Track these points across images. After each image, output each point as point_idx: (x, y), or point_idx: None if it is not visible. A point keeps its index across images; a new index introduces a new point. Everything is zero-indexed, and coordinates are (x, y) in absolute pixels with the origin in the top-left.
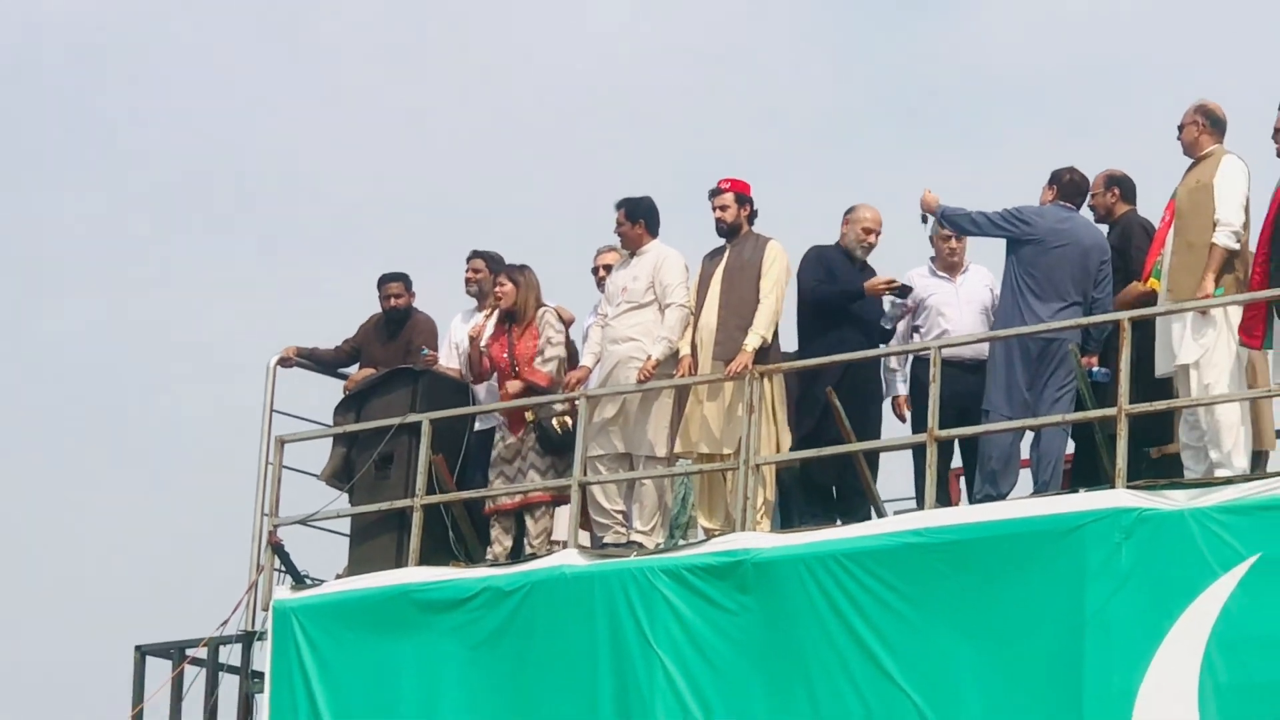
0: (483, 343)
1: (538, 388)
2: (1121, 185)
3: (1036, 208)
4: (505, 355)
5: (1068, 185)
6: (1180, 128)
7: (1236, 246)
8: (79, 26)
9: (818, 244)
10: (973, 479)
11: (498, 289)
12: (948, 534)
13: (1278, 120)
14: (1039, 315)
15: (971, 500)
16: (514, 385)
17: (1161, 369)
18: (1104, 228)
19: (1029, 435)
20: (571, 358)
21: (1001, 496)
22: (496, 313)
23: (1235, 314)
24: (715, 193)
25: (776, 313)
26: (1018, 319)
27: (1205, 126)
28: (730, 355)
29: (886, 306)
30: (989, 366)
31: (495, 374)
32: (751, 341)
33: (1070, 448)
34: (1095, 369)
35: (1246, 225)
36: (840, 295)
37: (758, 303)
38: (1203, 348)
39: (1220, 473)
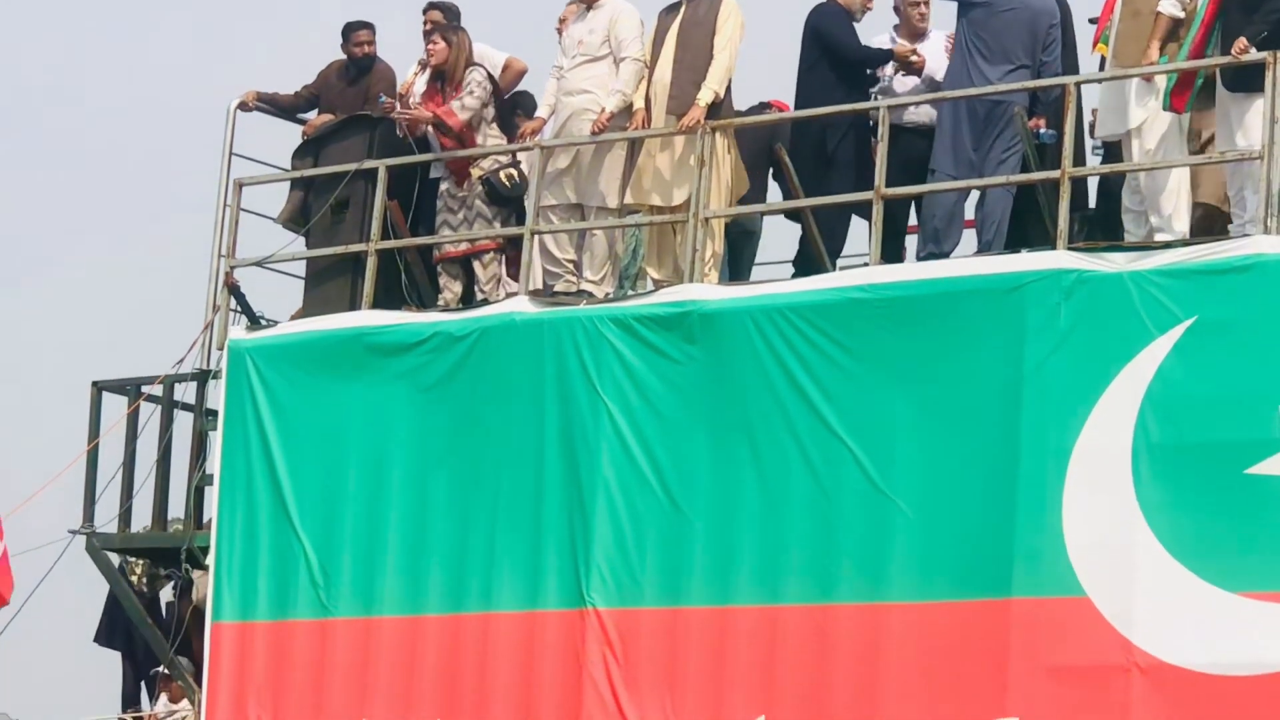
0: (414, 100)
1: (444, 125)
2: None
3: None
4: (443, 102)
5: None
6: None
7: (1181, 15)
8: None
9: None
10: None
11: (430, 46)
12: (891, 290)
13: None
14: (987, 77)
15: (917, 259)
16: (424, 113)
17: (1104, 131)
18: None
19: (974, 196)
20: (526, 108)
21: (945, 255)
22: (428, 70)
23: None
24: None
25: (729, 68)
26: (966, 81)
27: None
28: (684, 109)
29: (887, 75)
30: (937, 128)
31: (429, 128)
32: (704, 96)
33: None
34: (1043, 130)
35: None
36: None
37: (712, 58)
38: (1145, 113)
39: (1160, 237)
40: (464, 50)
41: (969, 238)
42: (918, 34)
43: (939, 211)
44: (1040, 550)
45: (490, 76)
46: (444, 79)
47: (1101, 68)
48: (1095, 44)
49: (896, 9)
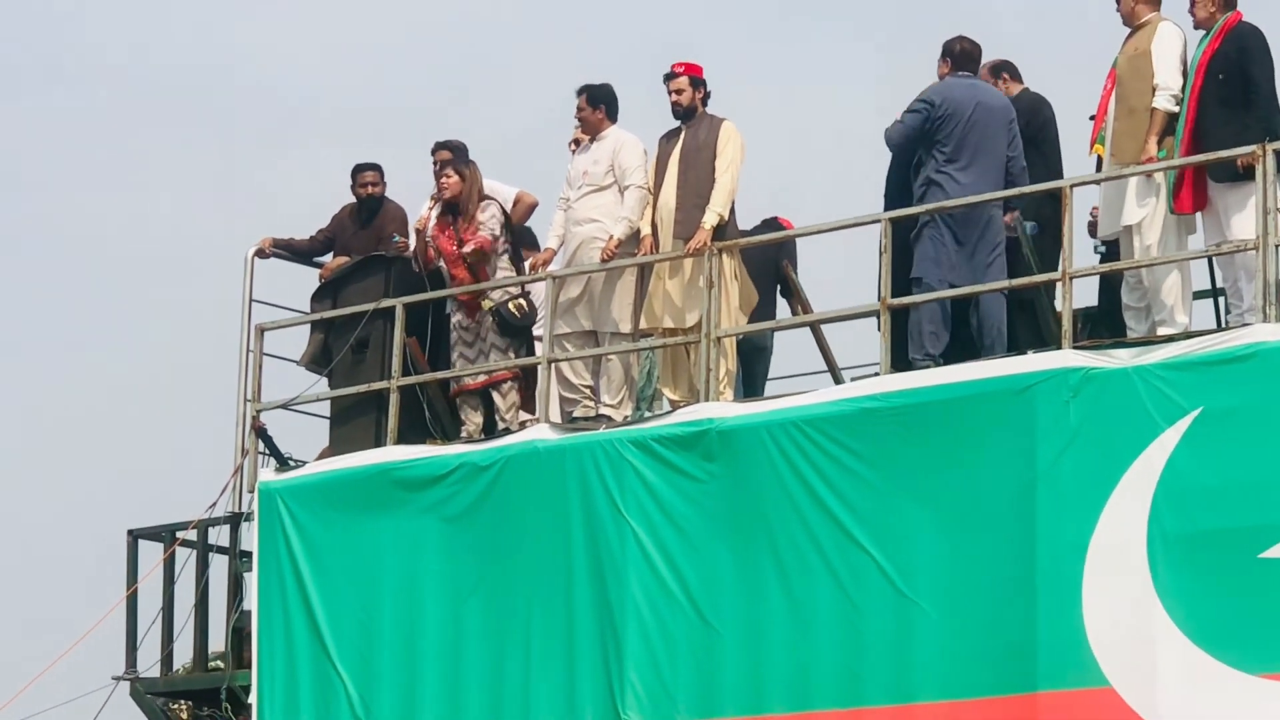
0: (428, 234)
1: (481, 252)
2: (1008, 69)
3: (938, 85)
4: (454, 245)
5: (960, 55)
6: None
7: (1176, 109)
8: None
9: None
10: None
11: (443, 180)
12: (902, 398)
13: None
14: (959, 182)
15: (911, 364)
16: (468, 248)
17: (1105, 231)
18: None
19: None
20: (533, 243)
21: (937, 358)
22: (439, 204)
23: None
24: (670, 76)
25: (732, 191)
26: (941, 192)
27: None
28: (690, 233)
29: None
30: (914, 237)
31: (442, 262)
32: (709, 219)
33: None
34: (1026, 223)
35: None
36: None
37: (714, 182)
38: (1144, 210)
39: (1163, 330)
40: (476, 183)
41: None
42: None
43: (929, 317)
44: (1063, 643)
45: (503, 209)
46: (456, 212)
47: (1099, 169)
48: (1092, 144)
49: None
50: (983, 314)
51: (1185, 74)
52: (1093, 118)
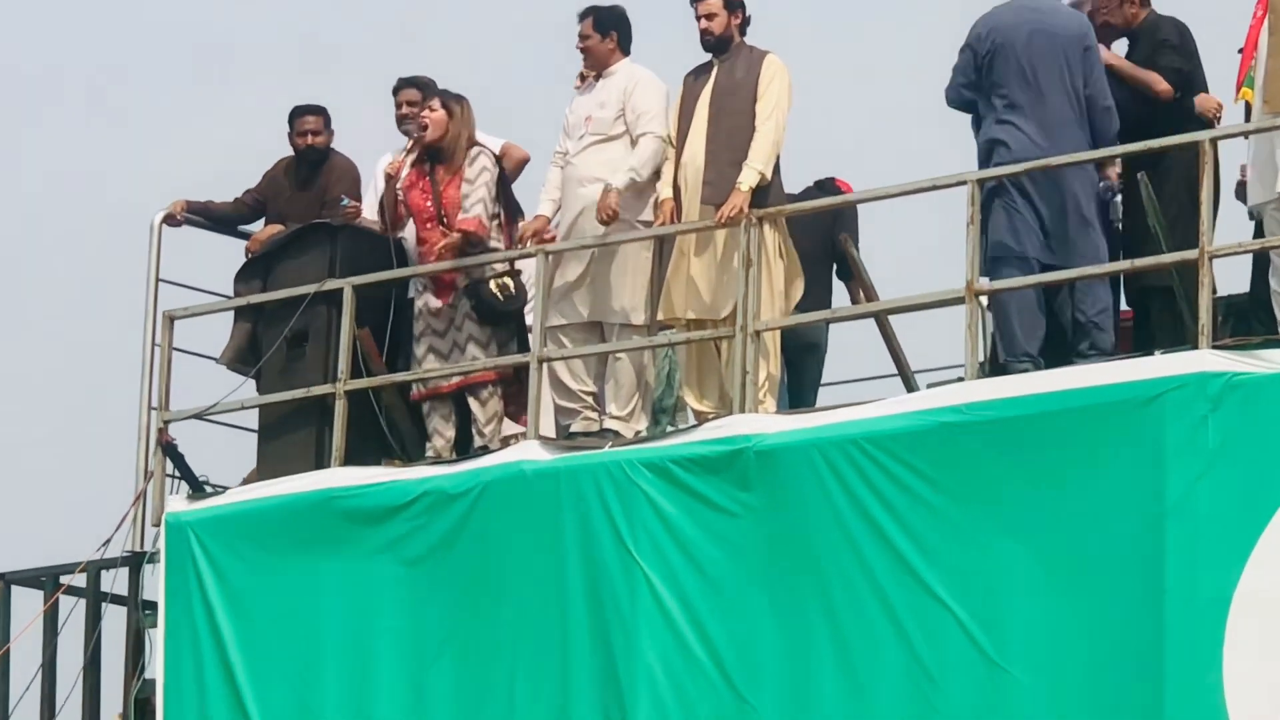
0: (399, 183)
1: (474, 239)
2: None
3: (986, 14)
4: (429, 203)
5: None
6: None
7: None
8: None
9: None
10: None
11: (425, 115)
12: (994, 410)
13: None
14: (1027, 135)
15: (1005, 369)
16: (452, 238)
17: (1256, 199)
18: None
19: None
20: (518, 212)
21: (1038, 359)
22: (417, 149)
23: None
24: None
25: (777, 143)
26: (1006, 150)
27: None
28: (722, 197)
29: None
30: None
31: (413, 222)
32: (748, 178)
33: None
34: (1104, 182)
35: None
36: None
37: (754, 131)
38: None
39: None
40: (467, 125)
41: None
42: None
43: (1021, 307)
44: (1199, 705)
45: (497, 160)
46: (439, 158)
47: (1247, 117)
48: (1239, 87)
49: None
50: (1078, 300)
51: None
52: (1240, 52)
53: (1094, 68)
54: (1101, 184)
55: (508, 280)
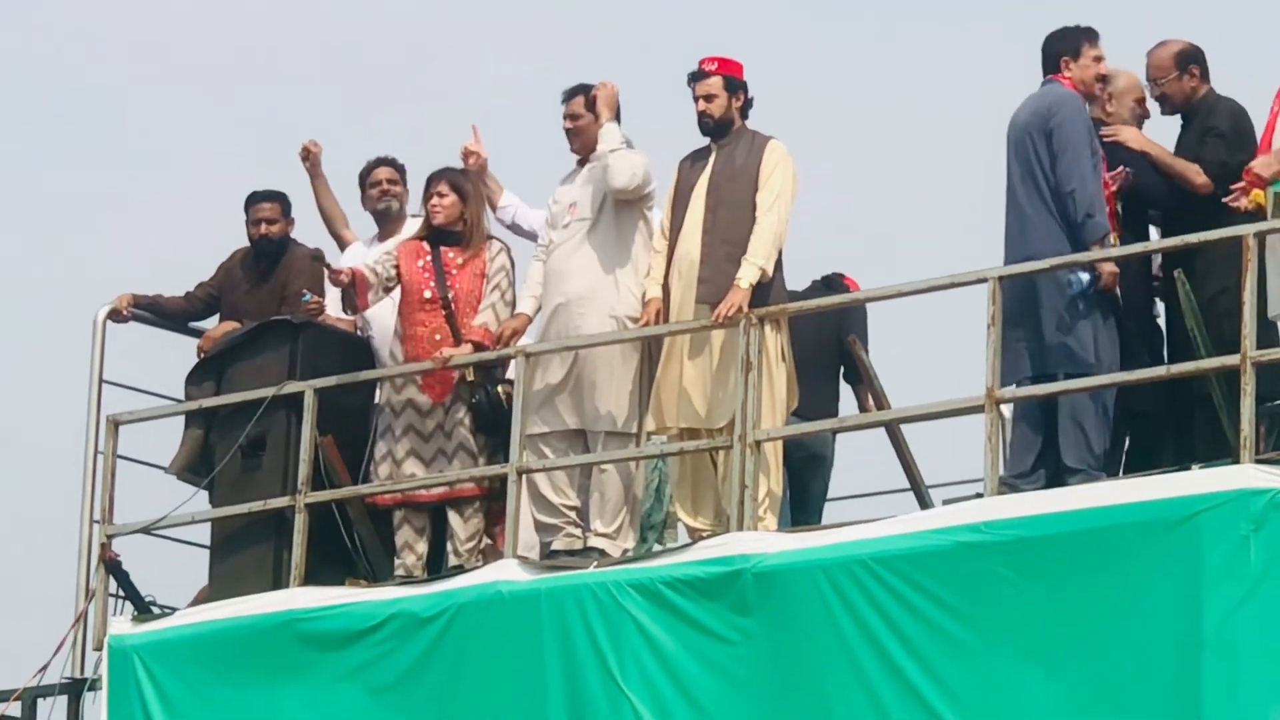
0: (393, 261)
1: (483, 348)
2: (1197, 61)
3: None
4: (432, 281)
5: (1044, 54)
6: None
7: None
8: None
9: None
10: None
11: (434, 201)
12: (1016, 529)
13: None
14: (1007, 234)
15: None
16: (456, 352)
17: (1277, 310)
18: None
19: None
20: None
21: (1101, 468)
22: (425, 231)
23: None
24: (697, 76)
25: (780, 236)
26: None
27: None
28: (719, 296)
29: None
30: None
31: (400, 296)
32: (748, 274)
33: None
34: (1071, 276)
35: None
36: None
37: (754, 222)
38: None
39: None
40: (483, 201)
41: None
42: None
43: (1081, 409)
44: None
45: (510, 257)
46: (446, 241)
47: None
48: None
49: None
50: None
51: None
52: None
53: (1059, 153)
54: (1072, 275)
55: (509, 387)
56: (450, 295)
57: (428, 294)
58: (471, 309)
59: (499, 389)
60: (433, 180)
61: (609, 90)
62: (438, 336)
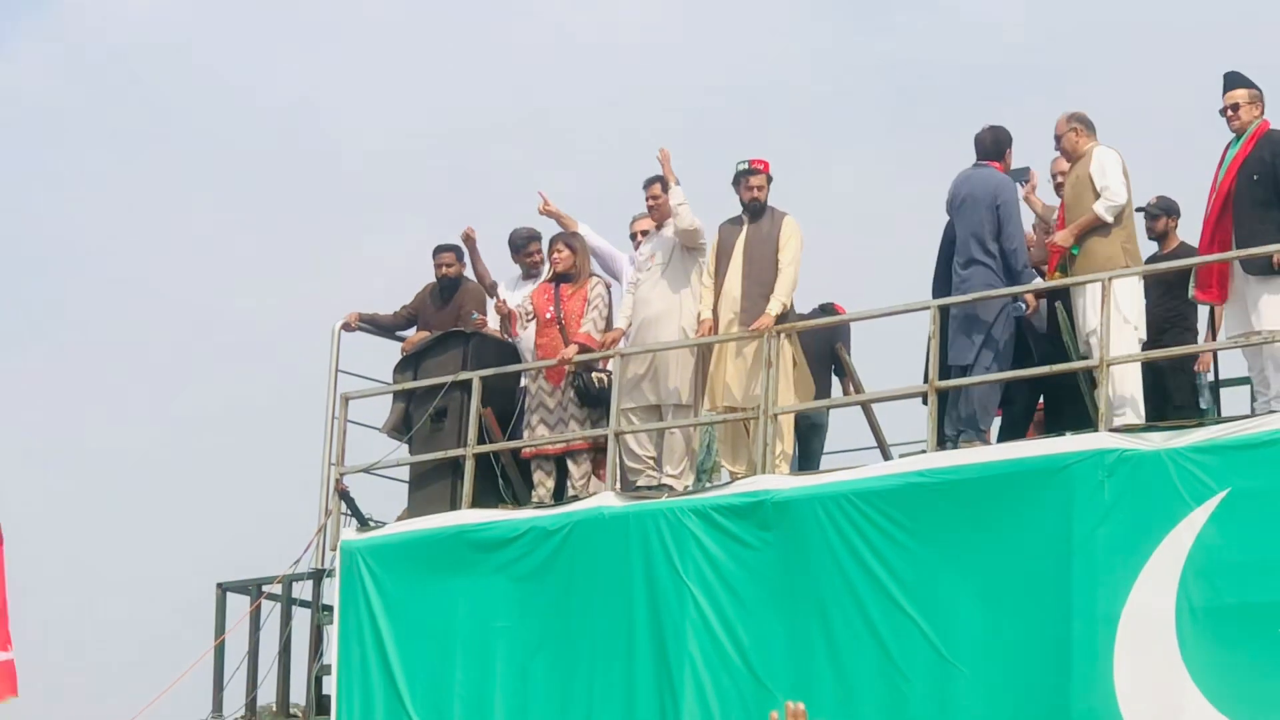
0: (525, 294)
1: (587, 348)
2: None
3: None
4: (552, 308)
5: (985, 143)
6: (1057, 137)
7: (1110, 220)
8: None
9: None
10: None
11: (555, 255)
12: (948, 474)
13: (1225, 99)
14: (961, 276)
15: (945, 442)
16: (571, 350)
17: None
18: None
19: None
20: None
21: (982, 434)
22: (551, 277)
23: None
24: (749, 173)
25: (795, 282)
26: (947, 286)
27: (1081, 130)
28: (753, 320)
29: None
30: (950, 330)
31: (535, 322)
32: (774, 308)
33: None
34: (1014, 303)
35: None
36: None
37: (778, 272)
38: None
39: (1119, 420)
40: (585, 255)
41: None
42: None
43: (977, 397)
44: (1094, 710)
45: (608, 288)
46: (564, 280)
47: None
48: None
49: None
50: (978, 396)
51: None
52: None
53: (1005, 221)
54: (1012, 304)
55: (604, 375)
56: (561, 316)
57: (548, 315)
58: (577, 323)
59: (593, 376)
60: (555, 241)
61: (665, 153)
62: (556, 345)
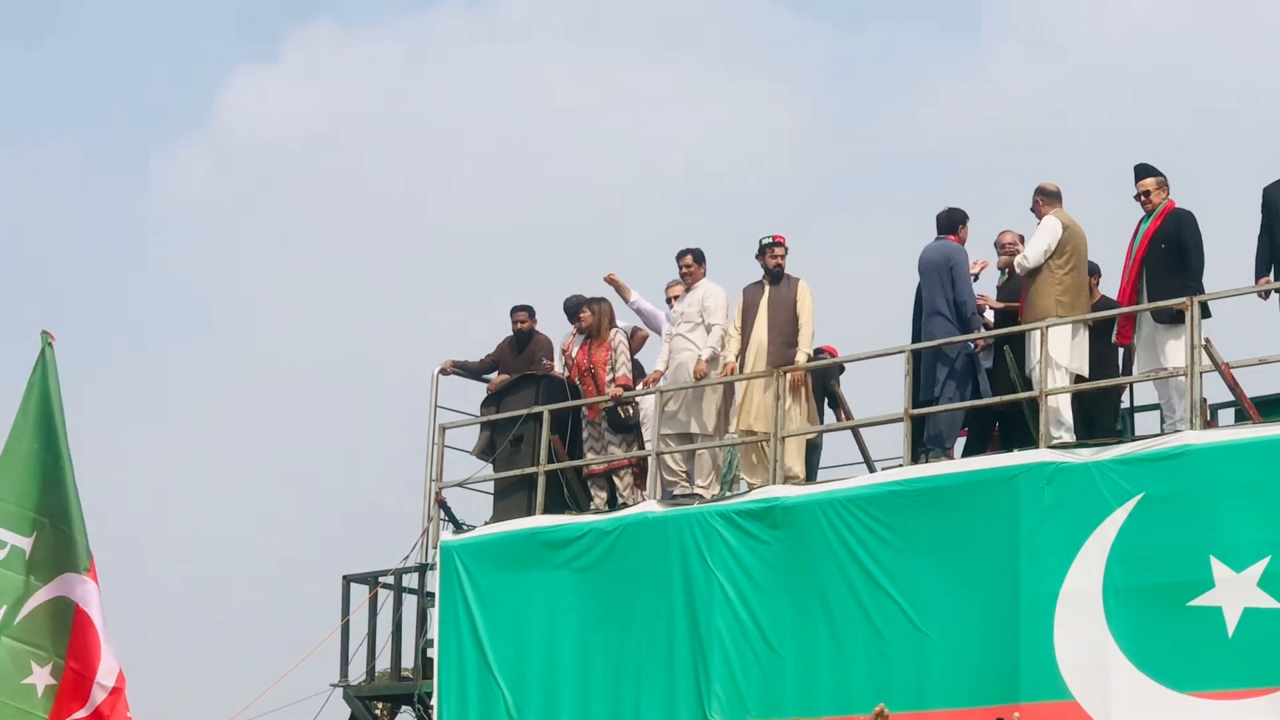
0: (573, 352)
1: (627, 387)
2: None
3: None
4: (585, 360)
5: (942, 220)
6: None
7: (1019, 271)
8: None
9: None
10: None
11: (582, 315)
12: (921, 483)
13: (1138, 186)
14: (927, 326)
15: (918, 457)
16: (615, 390)
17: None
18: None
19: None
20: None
21: (948, 450)
22: (582, 334)
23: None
24: (774, 244)
25: (813, 334)
26: (919, 333)
27: (1043, 200)
28: (779, 362)
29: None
30: (924, 369)
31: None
32: (801, 357)
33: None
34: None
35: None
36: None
37: (797, 326)
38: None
39: (1057, 437)
40: (605, 316)
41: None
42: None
43: (943, 421)
44: (1038, 669)
45: (626, 336)
46: (590, 336)
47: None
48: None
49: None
50: (943, 421)
51: (1046, 250)
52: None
53: (956, 280)
54: (972, 349)
55: (630, 408)
56: (591, 364)
57: (583, 363)
58: (602, 368)
59: (618, 410)
60: (581, 306)
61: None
62: (589, 387)
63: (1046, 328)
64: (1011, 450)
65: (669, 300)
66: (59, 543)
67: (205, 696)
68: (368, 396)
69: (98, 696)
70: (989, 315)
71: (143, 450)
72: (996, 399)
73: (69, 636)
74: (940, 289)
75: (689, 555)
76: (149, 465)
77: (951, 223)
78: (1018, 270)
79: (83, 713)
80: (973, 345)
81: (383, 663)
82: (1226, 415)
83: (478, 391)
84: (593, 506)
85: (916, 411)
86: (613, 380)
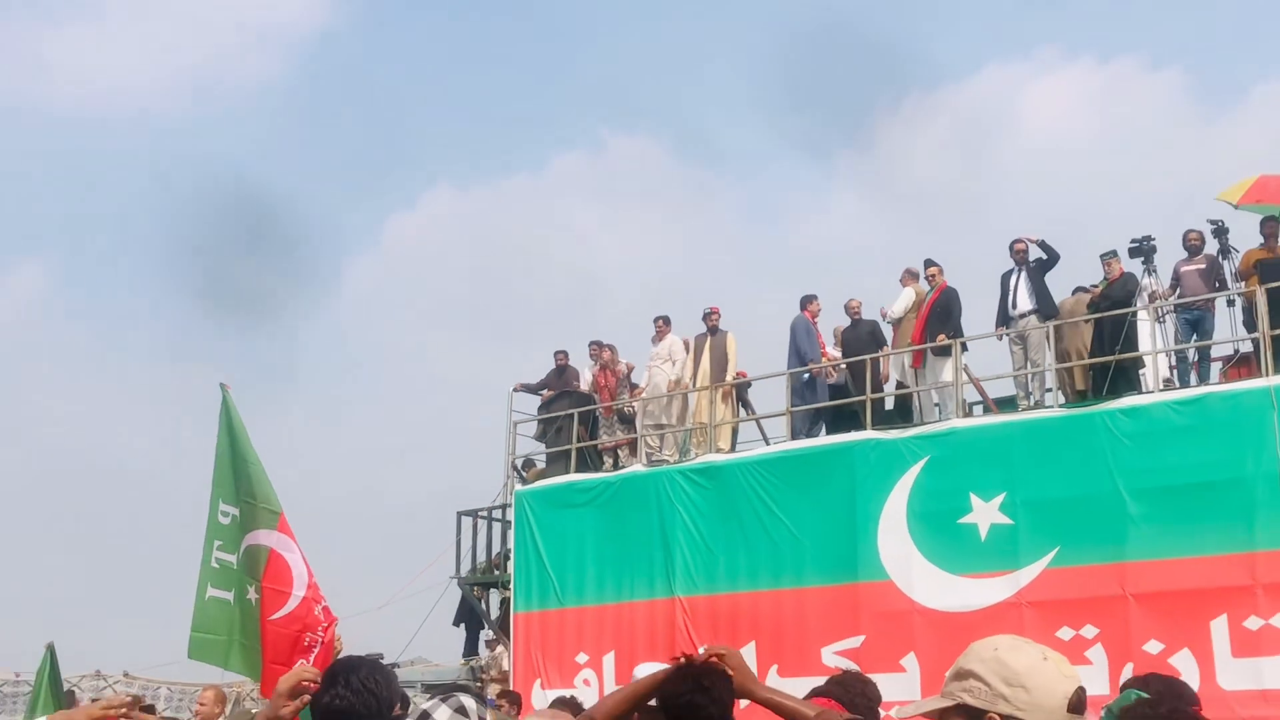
0: (595, 374)
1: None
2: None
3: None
4: (603, 380)
5: (802, 301)
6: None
7: (901, 315)
8: None
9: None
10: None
11: (604, 354)
12: (798, 452)
13: (925, 270)
14: (797, 363)
15: (796, 436)
16: (625, 399)
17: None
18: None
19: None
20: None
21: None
22: (600, 365)
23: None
24: (711, 313)
25: (735, 364)
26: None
27: (905, 277)
28: (713, 383)
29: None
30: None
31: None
32: (727, 378)
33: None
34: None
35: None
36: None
37: (727, 361)
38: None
39: (878, 426)
40: (616, 360)
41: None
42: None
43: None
44: (869, 561)
45: (627, 369)
46: (605, 366)
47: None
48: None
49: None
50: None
51: (910, 306)
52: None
53: (801, 338)
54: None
55: (635, 405)
56: (605, 381)
57: (601, 382)
58: (613, 385)
59: (624, 408)
60: (593, 345)
61: None
62: (608, 395)
63: (886, 355)
64: (850, 432)
65: (653, 340)
66: (251, 514)
67: (357, 590)
68: (475, 404)
69: (296, 598)
70: (836, 353)
71: (329, 411)
72: (841, 400)
73: (263, 569)
74: (795, 344)
75: (661, 497)
76: (334, 425)
77: (803, 303)
78: (891, 314)
79: (282, 613)
80: (827, 373)
81: (479, 564)
82: (979, 409)
83: (534, 401)
84: (604, 468)
85: (800, 408)
86: (629, 391)
